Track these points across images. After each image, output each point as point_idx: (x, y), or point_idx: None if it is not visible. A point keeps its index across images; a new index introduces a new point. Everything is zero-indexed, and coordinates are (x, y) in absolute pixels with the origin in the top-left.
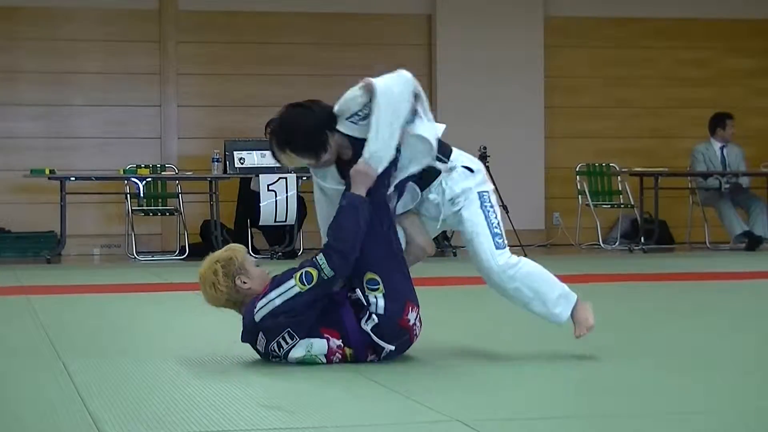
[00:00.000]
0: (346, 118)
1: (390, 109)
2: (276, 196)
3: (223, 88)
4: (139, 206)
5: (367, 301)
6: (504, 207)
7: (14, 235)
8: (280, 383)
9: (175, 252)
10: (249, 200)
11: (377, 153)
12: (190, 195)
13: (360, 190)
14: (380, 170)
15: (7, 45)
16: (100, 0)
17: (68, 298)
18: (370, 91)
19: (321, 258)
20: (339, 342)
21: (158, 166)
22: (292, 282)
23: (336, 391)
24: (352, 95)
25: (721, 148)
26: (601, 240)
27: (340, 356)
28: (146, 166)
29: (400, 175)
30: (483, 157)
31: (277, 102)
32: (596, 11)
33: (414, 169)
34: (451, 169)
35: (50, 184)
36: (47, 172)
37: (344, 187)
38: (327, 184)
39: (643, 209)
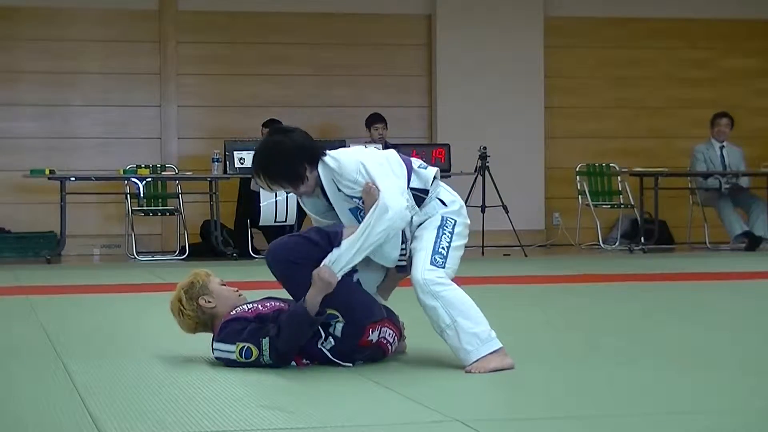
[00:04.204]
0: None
1: (375, 238)
2: (276, 196)
3: (223, 88)
4: (139, 206)
5: (326, 326)
6: (504, 207)
7: (14, 235)
8: (280, 383)
9: (175, 252)
10: (249, 200)
11: (340, 263)
12: (190, 195)
13: (317, 296)
14: (341, 276)
15: (7, 45)
16: (100, 0)
17: (68, 298)
18: (370, 197)
19: (266, 344)
20: (304, 360)
21: (158, 166)
22: (232, 348)
23: (336, 391)
24: (352, 173)
25: (721, 148)
26: (601, 240)
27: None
28: (146, 166)
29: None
30: (483, 157)
31: (277, 102)
32: (596, 11)
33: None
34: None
35: (50, 184)
36: (47, 172)
37: (324, 218)
38: (307, 209)
39: (643, 209)
